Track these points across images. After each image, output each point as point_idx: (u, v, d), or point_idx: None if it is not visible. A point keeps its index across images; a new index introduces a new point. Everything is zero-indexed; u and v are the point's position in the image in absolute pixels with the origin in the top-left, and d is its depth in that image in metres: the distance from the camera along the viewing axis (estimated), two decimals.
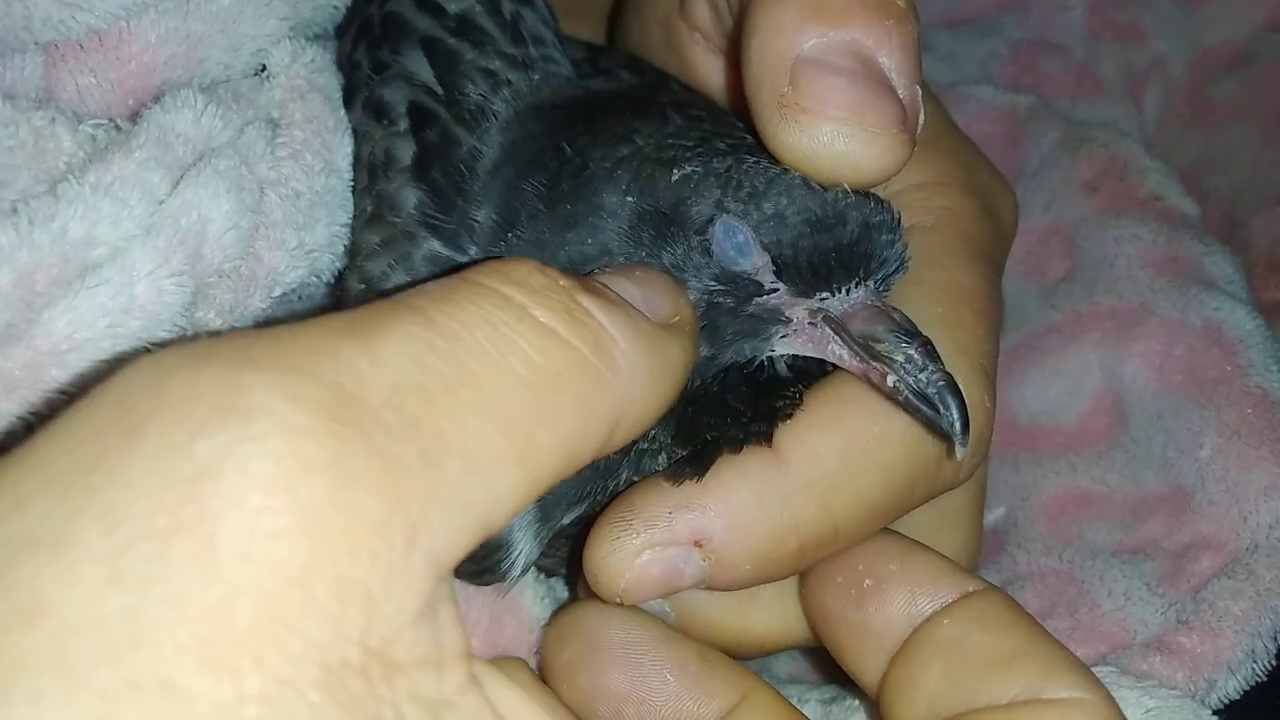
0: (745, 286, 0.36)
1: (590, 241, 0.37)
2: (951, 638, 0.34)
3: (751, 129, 0.36)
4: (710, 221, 0.35)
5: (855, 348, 0.34)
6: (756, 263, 0.35)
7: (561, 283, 0.28)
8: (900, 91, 0.35)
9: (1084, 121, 0.68)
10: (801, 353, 0.36)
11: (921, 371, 0.33)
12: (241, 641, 0.20)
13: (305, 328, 0.24)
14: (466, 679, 0.23)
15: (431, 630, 0.23)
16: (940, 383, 0.33)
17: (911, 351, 0.34)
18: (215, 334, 0.24)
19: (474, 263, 0.29)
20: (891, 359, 0.34)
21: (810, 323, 0.35)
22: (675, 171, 0.36)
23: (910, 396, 0.33)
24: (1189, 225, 0.61)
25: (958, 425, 0.33)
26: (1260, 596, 0.46)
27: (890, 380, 0.34)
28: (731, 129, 0.39)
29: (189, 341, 0.24)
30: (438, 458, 0.23)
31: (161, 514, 0.20)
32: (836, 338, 0.35)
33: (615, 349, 0.28)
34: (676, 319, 0.32)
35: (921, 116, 0.36)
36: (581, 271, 0.34)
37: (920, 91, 0.35)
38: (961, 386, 0.34)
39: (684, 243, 0.36)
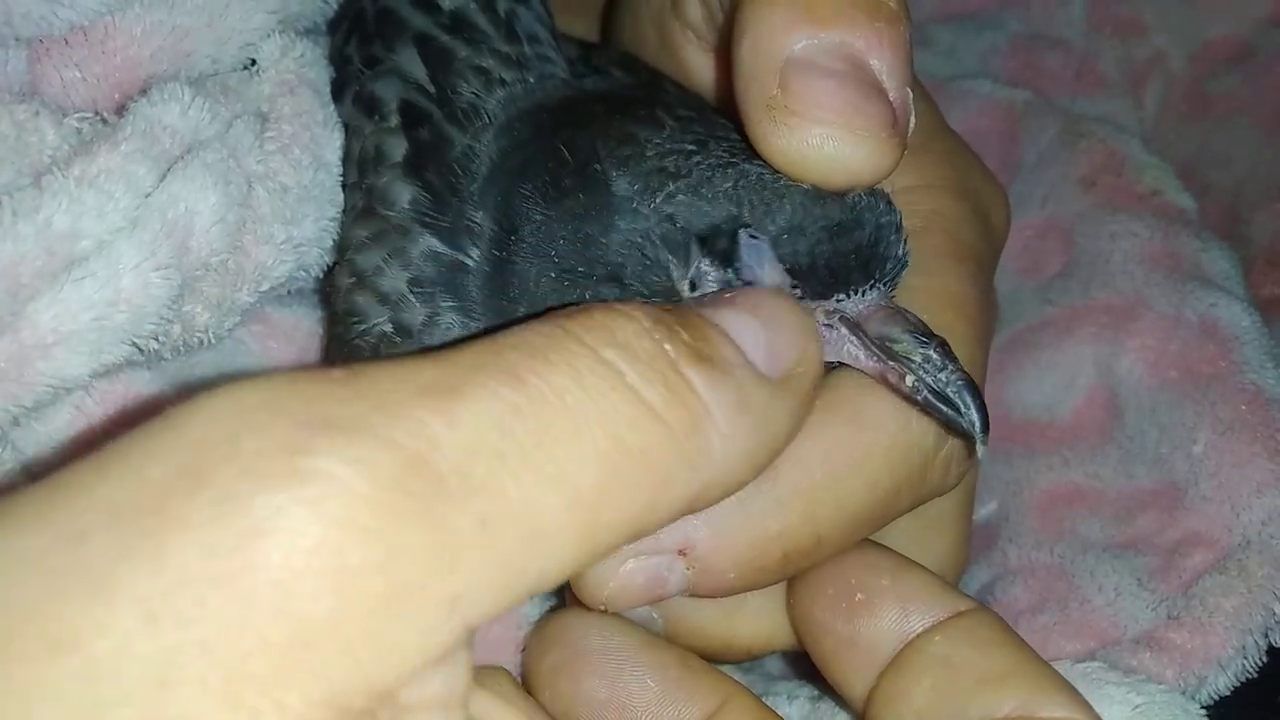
0: None
1: (599, 254, 0.36)
2: (942, 654, 0.34)
3: (741, 129, 0.36)
4: (732, 235, 0.35)
5: (872, 348, 0.34)
6: (774, 271, 0.35)
7: (668, 347, 0.26)
8: (891, 94, 0.34)
9: (1082, 116, 0.68)
10: None
11: (940, 371, 0.33)
12: (265, 686, 0.21)
13: (389, 380, 0.23)
14: (465, 716, 0.24)
15: (445, 674, 0.23)
16: (959, 382, 0.33)
17: (929, 352, 0.33)
18: (295, 371, 0.24)
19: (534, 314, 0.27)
20: (909, 359, 0.34)
21: (826, 325, 0.35)
22: (681, 184, 0.35)
23: (929, 396, 0.33)
24: (1186, 221, 0.60)
25: (978, 424, 0.33)
26: (1252, 593, 0.46)
27: (909, 380, 0.33)
28: (725, 130, 0.38)
29: (270, 379, 0.23)
30: (496, 527, 0.23)
31: (209, 562, 0.21)
32: (853, 339, 0.35)
33: (713, 432, 0.26)
34: (800, 369, 0.29)
35: (913, 119, 0.35)
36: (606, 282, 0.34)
37: (911, 94, 0.35)
38: None
39: (696, 256, 0.35)
